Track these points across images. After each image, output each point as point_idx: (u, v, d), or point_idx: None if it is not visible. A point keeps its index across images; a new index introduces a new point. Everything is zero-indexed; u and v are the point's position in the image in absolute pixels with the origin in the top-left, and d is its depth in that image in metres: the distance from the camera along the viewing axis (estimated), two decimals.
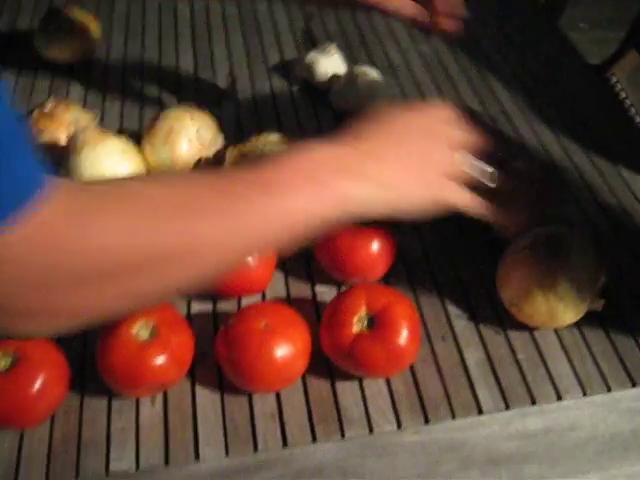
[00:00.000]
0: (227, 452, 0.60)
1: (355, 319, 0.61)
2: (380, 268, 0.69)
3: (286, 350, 0.60)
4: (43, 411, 0.60)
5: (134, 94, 0.95)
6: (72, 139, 0.75)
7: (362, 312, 0.61)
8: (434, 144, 0.61)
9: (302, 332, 0.62)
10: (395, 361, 0.61)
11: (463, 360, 0.65)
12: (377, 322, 0.61)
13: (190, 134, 0.77)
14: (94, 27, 0.98)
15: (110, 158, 0.74)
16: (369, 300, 0.61)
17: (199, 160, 0.77)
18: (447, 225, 0.76)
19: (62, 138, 0.80)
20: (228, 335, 0.61)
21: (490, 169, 0.62)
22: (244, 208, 0.49)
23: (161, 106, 0.92)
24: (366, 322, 0.61)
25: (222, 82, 0.97)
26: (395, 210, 0.57)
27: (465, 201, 0.61)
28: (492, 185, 0.62)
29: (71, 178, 0.72)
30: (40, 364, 0.59)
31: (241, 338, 0.60)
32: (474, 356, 0.65)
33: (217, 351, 0.62)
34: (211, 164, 0.78)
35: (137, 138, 0.80)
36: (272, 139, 0.75)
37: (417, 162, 0.59)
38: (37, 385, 0.58)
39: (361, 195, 0.55)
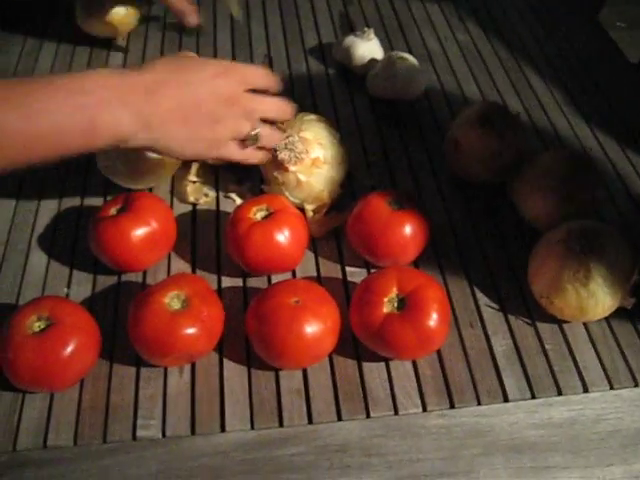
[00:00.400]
0: (252, 425, 0.60)
1: (386, 300, 0.61)
2: (411, 252, 0.69)
3: (316, 327, 0.60)
4: (73, 375, 0.61)
5: None
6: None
7: (393, 293, 0.61)
8: (231, 111, 0.64)
9: (332, 310, 0.62)
10: (424, 343, 0.61)
11: (490, 348, 0.65)
12: (408, 304, 0.61)
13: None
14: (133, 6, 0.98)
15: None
16: (400, 282, 0.62)
17: None
18: (480, 213, 0.76)
19: None
20: (259, 309, 0.61)
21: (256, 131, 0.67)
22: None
23: None
24: (396, 303, 0.61)
25: (259, 62, 0.97)
26: (156, 151, 0.63)
27: (243, 157, 0.68)
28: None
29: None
30: (72, 329, 0.60)
31: (272, 312, 0.60)
32: (502, 344, 0.65)
33: (247, 324, 0.63)
34: None
35: None
36: (309, 118, 0.75)
37: (205, 120, 0.62)
38: (69, 349, 0.59)
39: (120, 127, 0.57)
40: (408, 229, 0.67)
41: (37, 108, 0.54)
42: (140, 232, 0.67)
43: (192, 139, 0.62)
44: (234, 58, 0.98)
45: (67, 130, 0.55)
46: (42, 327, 0.60)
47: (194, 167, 0.78)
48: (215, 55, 0.98)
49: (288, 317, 0.60)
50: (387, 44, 0.99)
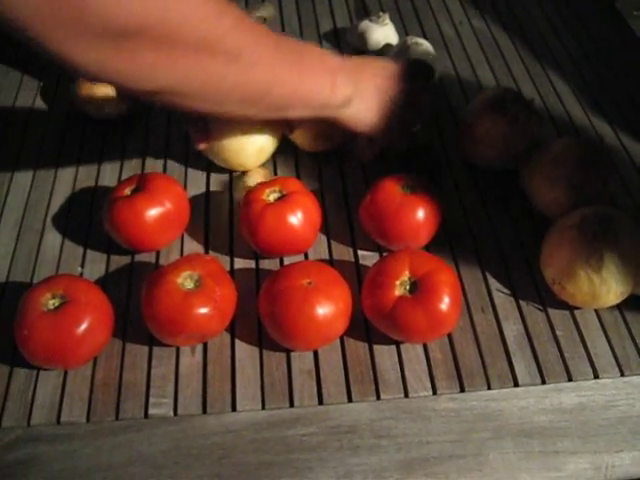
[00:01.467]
0: (263, 405, 0.61)
1: (398, 283, 0.61)
2: (423, 236, 0.69)
3: (328, 308, 0.60)
4: (87, 353, 0.62)
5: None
6: None
7: (405, 276, 0.62)
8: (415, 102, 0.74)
9: (344, 292, 0.62)
10: (435, 327, 0.61)
11: (501, 332, 0.65)
12: (419, 287, 0.61)
13: None
14: None
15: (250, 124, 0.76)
16: (412, 265, 0.62)
17: None
18: (492, 199, 0.76)
19: None
20: (271, 290, 0.62)
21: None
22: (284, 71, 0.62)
23: None
24: (408, 286, 0.61)
25: None
26: (351, 121, 0.70)
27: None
28: None
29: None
30: (86, 307, 0.61)
31: (284, 293, 0.61)
32: (512, 329, 0.66)
33: (259, 305, 0.63)
34: None
35: None
36: None
37: (397, 111, 0.72)
38: (82, 327, 0.60)
39: (347, 90, 0.67)
40: (420, 213, 0.68)
41: (304, 68, 0.64)
42: (154, 212, 0.67)
43: (387, 112, 0.71)
44: None
45: (320, 88, 0.65)
46: (56, 305, 0.60)
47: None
48: None
49: (300, 298, 0.60)
50: (402, 29, 0.98)
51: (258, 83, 0.60)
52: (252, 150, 0.76)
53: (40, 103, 0.90)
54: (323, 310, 0.60)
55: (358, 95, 0.68)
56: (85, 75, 0.53)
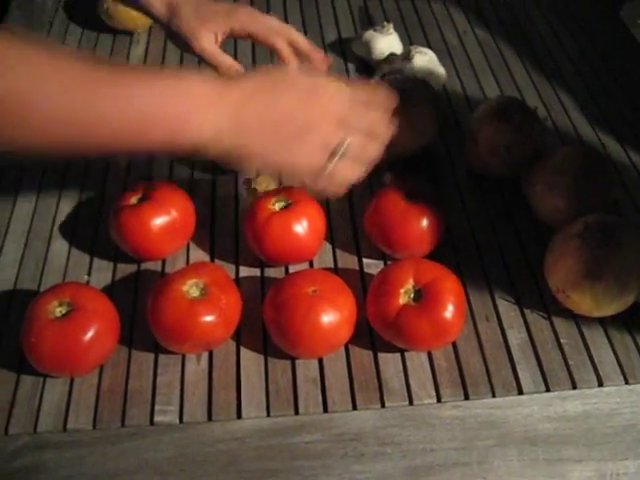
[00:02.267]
0: (268, 413, 0.61)
1: (402, 291, 0.62)
2: (427, 244, 0.70)
3: (333, 316, 0.60)
4: (93, 360, 0.62)
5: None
6: None
7: (409, 284, 0.62)
8: (324, 121, 0.60)
9: (349, 300, 0.63)
10: (439, 335, 0.62)
11: (506, 341, 0.66)
12: (424, 295, 0.61)
13: None
14: None
15: None
16: (417, 273, 0.62)
17: None
18: (496, 208, 0.77)
19: None
20: (276, 298, 0.62)
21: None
22: (105, 92, 0.52)
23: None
24: (413, 295, 0.62)
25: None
26: (235, 159, 0.59)
27: (317, 186, 0.62)
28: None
29: None
30: (93, 315, 0.61)
31: (289, 302, 0.61)
32: (517, 337, 0.66)
33: (264, 313, 0.64)
34: None
35: None
36: None
37: (295, 130, 0.59)
38: (89, 334, 0.60)
39: (208, 129, 0.56)
40: (424, 221, 0.68)
41: (130, 94, 0.54)
42: (160, 221, 0.68)
43: (278, 148, 0.59)
44: (254, 50, 0.98)
45: (156, 122, 0.55)
46: (63, 312, 0.61)
47: None
48: (235, 47, 0.99)
49: (305, 306, 0.60)
50: (406, 39, 0.99)
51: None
52: None
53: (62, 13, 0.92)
54: (328, 318, 0.60)
55: (234, 132, 0.57)
56: None
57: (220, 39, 0.76)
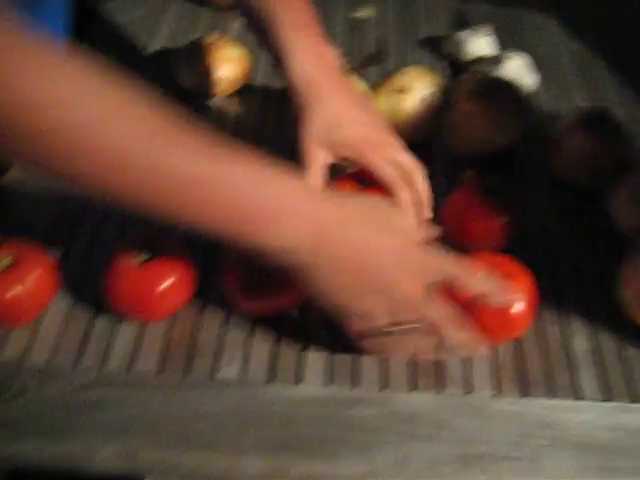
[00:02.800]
0: (328, 383, 0.62)
1: None
2: (501, 241, 0.70)
3: None
4: (166, 309, 0.64)
5: None
6: None
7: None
8: (405, 283, 0.56)
9: None
10: (506, 329, 0.62)
11: (570, 345, 0.66)
12: None
13: (423, 94, 0.80)
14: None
15: None
16: (492, 266, 0.62)
17: None
18: (573, 215, 0.77)
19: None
20: None
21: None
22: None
23: None
24: None
25: (370, 47, 0.99)
26: (302, 278, 0.55)
27: (363, 347, 0.60)
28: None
29: None
30: (173, 265, 0.63)
31: None
32: (582, 344, 0.66)
33: None
34: None
35: None
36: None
37: (375, 284, 0.56)
38: (166, 284, 0.62)
39: (293, 236, 0.52)
40: (499, 216, 0.69)
41: (221, 170, 0.50)
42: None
43: (349, 290, 0.55)
44: (347, 42, 1.00)
45: (237, 211, 0.51)
46: (145, 260, 0.63)
47: None
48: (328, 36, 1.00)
49: None
50: (499, 43, 0.99)
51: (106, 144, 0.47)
52: None
53: None
54: None
55: (312, 252, 0.53)
56: None
57: (329, 161, 0.68)
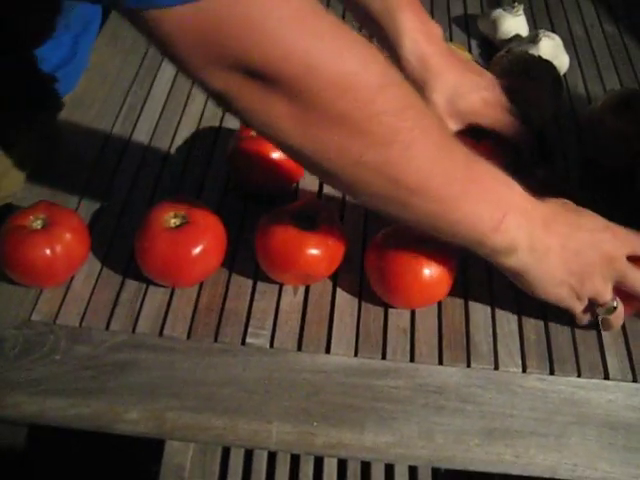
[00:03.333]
0: (356, 353, 0.62)
1: None
2: None
3: (434, 270, 0.61)
4: (197, 275, 0.65)
5: None
6: None
7: None
8: (604, 271, 0.60)
9: (451, 256, 0.63)
10: None
11: (598, 325, 0.65)
12: None
13: None
14: None
15: None
16: None
17: None
18: (603, 195, 0.76)
19: None
20: (382, 245, 0.63)
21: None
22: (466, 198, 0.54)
23: None
24: None
25: None
26: (519, 276, 0.60)
27: (579, 317, 0.63)
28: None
29: None
30: (205, 231, 0.63)
31: (394, 250, 0.62)
32: None
33: (367, 258, 0.65)
34: None
35: None
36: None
37: (578, 270, 0.59)
38: (198, 249, 0.62)
39: (516, 237, 0.57)
40: None
41: (473, 182, 0.55)
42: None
43: (558, 282, 0.60)
44: None
45: (480, 216, 0.56)
46: (177, 224, 0.63)
47: None
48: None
49: (409, 256, 0.61)
50: (532, 23, 0.98)
51: (407, 175, 0.52)
52: None
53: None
54: (430, 271, 0.61)
55: (530, 248, 0.58)
56: (216, 100, 0.50)
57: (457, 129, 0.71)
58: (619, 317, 0.63)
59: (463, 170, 0.54)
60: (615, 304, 0.61)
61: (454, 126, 0.70)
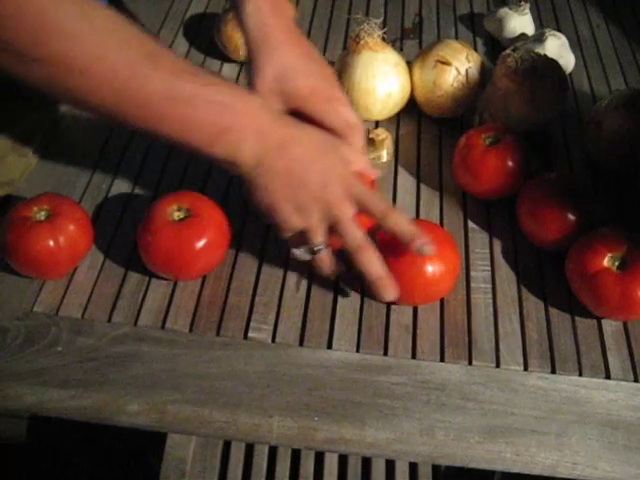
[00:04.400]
0: (358, 349, 0.62)
1: (610, 254, 0.63)
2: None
3: (437, 267, 0.61)
4: (200, 268, 0.65)
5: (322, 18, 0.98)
6: (355, 38, 0.79)
7: (621, 251, 0.63)
8: (322, 212, 0.60)
9: (454, 254, 0.64)
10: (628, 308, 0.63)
11: (600, 325, 0.65)
12: (630, 267, 0.62)
13: (461, 69, 0.80)
14: None
15: (383, 66, 0.79)
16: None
17: None
18: (607, 195, 0.76)
19: None
20: (384, 243, 0.63)
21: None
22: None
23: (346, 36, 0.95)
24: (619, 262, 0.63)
25: (408, 22, 0.98)
26: (247, 187, 0.61)
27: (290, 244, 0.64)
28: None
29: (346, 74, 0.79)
30: (209, 224, 0.63)
31: (397, 247, 0.62)
32: (612, 324, 0.65)
33: None
34: None
35: None
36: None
37: (302, 197, 0.60)
38: (202, 242, 0.62)
39: (242, 148, 0.57)
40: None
41: (187, 92, 0.55)
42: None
43: (276, 201, 0.60)
44: (386, 14, 0.99)
45: (202, 122, 0.56)
46: (181, 217, 0.63)
47: None
48: (367, 8, 1.00)
49: (411, 253, 0.61)
50: (538, 22, 0.98)
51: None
52: (381, 93, 0.78)
53: (181, 38, 0.94)
54: (433, 268, 0.61)
55: (254, 165, 0.59)
56: None
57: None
58: (324, 263, 0.63)
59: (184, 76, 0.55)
60: (318, 248, 0.62)
61: (277, 105, 0.66)
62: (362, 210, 0.61)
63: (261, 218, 0.63)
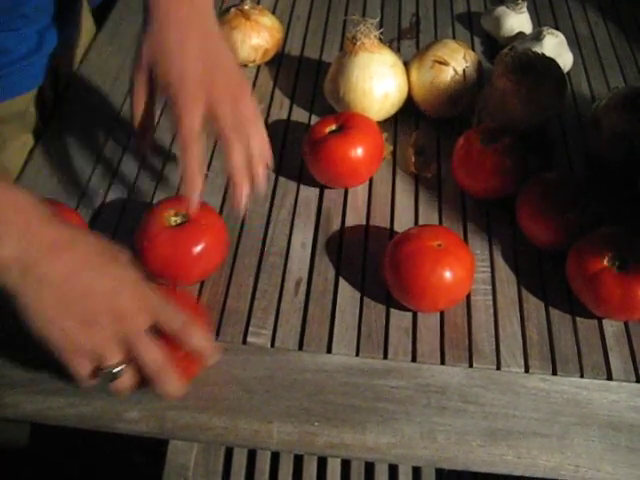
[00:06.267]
0: (357, 353, 0.62)
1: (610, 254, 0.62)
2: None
3: (458, 271, 0.61)
4: (198, 273, 0.65)
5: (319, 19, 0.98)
6: (352, 39, 0.79)
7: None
8: (112, 327, 0.51)
9: (469, 256, 0.63)
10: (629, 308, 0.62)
11: (601, 326, 0.65)
12: (631, 267, 0.62)
13: (458, 69, 0.79)
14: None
15: (380, 67, 0.78)
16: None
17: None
18: (608, 193, 0.75)
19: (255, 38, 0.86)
20: (400, 250, 0.63)
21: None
22: None
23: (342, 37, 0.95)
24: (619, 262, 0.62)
25: (405, 22, 0.98)
26: (13, 300, 0.50)
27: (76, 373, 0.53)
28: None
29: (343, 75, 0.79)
30: (206, 230, 0.63)
31: (415, 254, 0.62)
32: (613, 325, 0.65)
33: (385, 266, 0.64)
34: None
35: None
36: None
37: (81, 312, 0.50)
38: (199, 247, 0.62)
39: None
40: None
41: None
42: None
43: (50, 319, 0.50)
44: (383, 14, 0.99)
45: None
46: (178, 222, 0.63)
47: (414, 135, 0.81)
48: (364, 9, 0.99)
49: (433, 259, 0.61)
50: (535, 20, 0.98)
51: None
52: (378, 94, 0.78)
53: None
54: (453, 272, 0.61)
55: (22, 271, 0.49)
56: None
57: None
58: (126, 386, 0.54)
59: None
60: (117, 370, 0.52)
61: (138, 76, 0.62)
62: (157, 324, 0.53)
63: (44, 347, 0.51)
